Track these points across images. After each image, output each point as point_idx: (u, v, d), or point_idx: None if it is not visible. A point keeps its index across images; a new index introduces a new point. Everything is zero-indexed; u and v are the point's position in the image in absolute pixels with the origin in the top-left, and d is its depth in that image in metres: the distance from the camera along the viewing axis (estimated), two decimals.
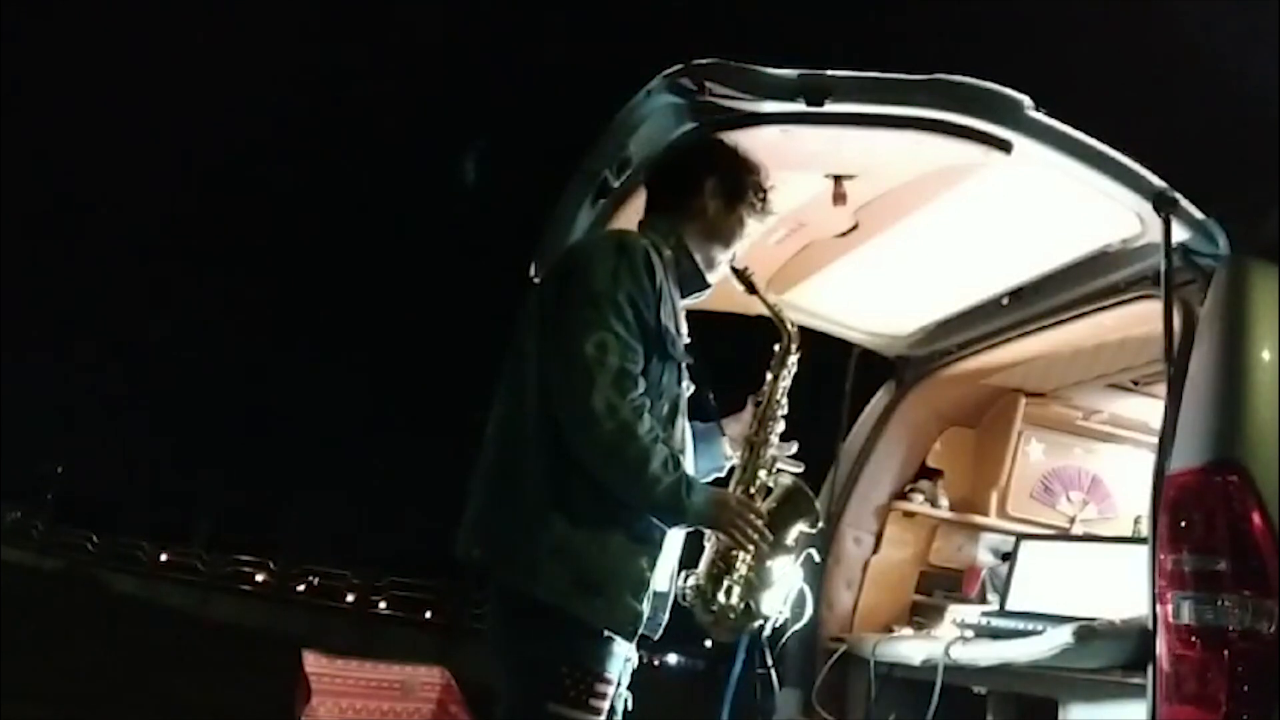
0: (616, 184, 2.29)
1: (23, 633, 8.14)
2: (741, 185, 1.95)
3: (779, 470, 1.93)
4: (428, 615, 20.46)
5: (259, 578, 22.36)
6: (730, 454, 2.01)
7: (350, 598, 21.38)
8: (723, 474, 2.01)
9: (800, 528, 1.86)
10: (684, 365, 1.85)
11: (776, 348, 2.00)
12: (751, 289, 2.00)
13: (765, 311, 2.02)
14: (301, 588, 22.29)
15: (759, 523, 1.77)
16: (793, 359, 1.99)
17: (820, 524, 1.91)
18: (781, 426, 1.96)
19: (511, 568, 1.70)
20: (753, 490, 1.87)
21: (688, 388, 1.88)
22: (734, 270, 2.00)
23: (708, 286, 1.96)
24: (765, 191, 1.97)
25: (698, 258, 1.93)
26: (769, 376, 1.98)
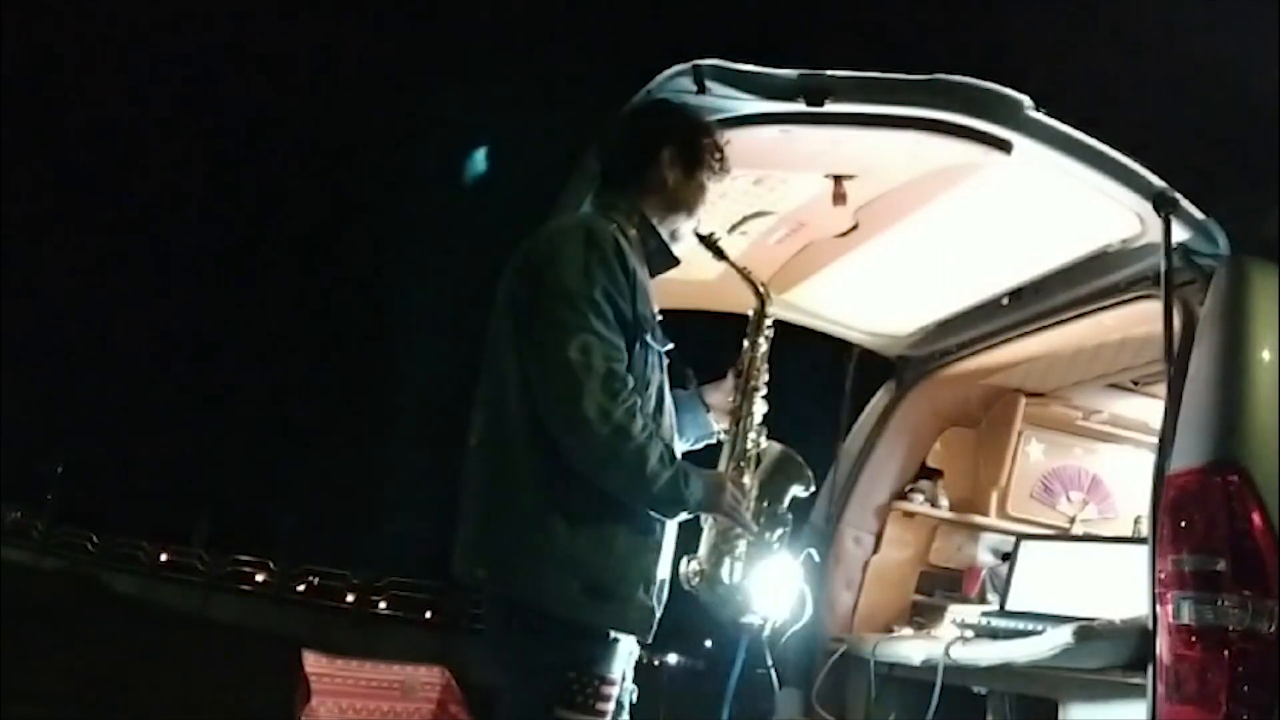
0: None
1: (23, 633, 8.14)
2: (698, 150, 1.89)
3: (765, 438, 1.90)
4: (428, 615, 20.45)
5: (259, 578, 22.33)
6: (716, 425, 1.98)
7: (350, 598, 21.36)
8: (713, 440, 1.99)
9: (794, 493, 1.85)
10: (664, 349, 1.80)
11: (751, 313, 1.96)
12: (720, 254, 1.96)
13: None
14: (301, 588, 22.27)
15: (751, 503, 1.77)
16: (769, 322, 1.95)
17: (813, 487, 1.90)
18: (764, 392, 1.92)
19: (520, 584, 1.65)
20: (743, 464, 1.85)
21: (667, 362, 1.83)
22: (699, 237, 1.95)
23: (677, 262, 1.90)
24: (722, 151, 1.91)
25: (662, 231, 1.87)
26: (745, 344, 1.94)
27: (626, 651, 1.74)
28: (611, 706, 1.68)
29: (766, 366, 1.94)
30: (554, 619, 1.63)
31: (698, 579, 1.79)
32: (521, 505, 1.66)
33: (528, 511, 1.65)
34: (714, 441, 1.99)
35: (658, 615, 1.72)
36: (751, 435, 1.88)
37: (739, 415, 1.89)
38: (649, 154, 1.87)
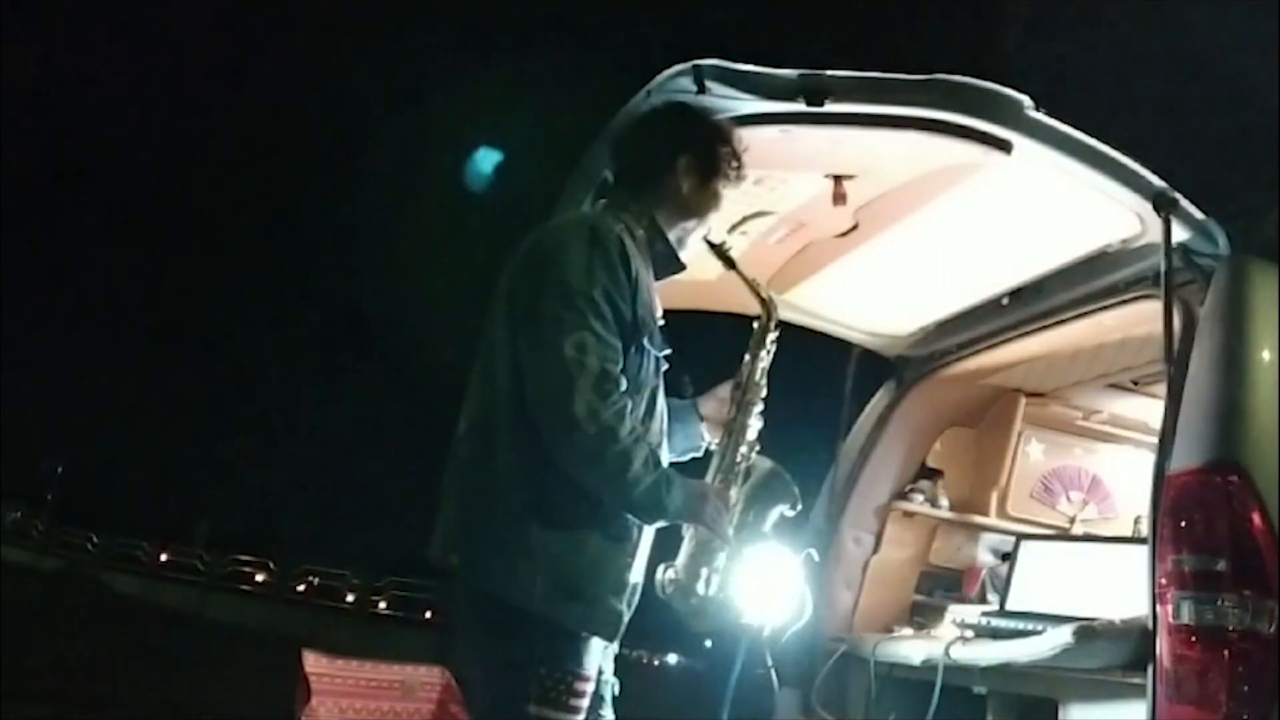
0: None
1: (23, 633, 8.14)
2: (715, 159, 1.87)
3: (757, 453, 1.88)
4: (428, 615, 20.49)
5: (259, 578, 22.38)
6: (707, 437, 1.97)
7: (350, 598, 21.41)
8: (700, 454, 1.98)
9: (779, 511, 1.84)
10: (661, 354, 1.80)
11: (755, 325, 1.95)
12: (730, 264, 1.95)
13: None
14: (301, 588, 22.32)
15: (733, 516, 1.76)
16: (772, 336, 1.94)
17: (800, 507, 1.88)
18: (761, 408, 1.90)
19: (490, 574, 1.66)
20: (731, 477, 1.83)
21: (664, 367, 1.83)
22: (710, 244, 1.94)
23: (682, 267, 1.90)
24: (740, 159, 1.90)
25: (671, 236, 1.86)
26: (747, 357, 1.93)
27: (601, 647, 1.73)
28: (585, 702, 1.67)
29: (766, 381, 1.92)
30: (523, 613, 1.62)
31: (672, 587, 1.77)
32: (500, 497, 1.66)
33: (505, 504, 1.65)
34: (701, 455, 1.98)
35: (626, 619, 1.72)
36: (742, 449, 1.86)
37: (732, 428, 1.88)
38: (666, 160, 1.86)
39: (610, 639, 1.73)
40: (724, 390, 1.96)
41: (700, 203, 1.88)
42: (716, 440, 1.92)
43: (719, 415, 1.94)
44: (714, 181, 1.88)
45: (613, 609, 1.69)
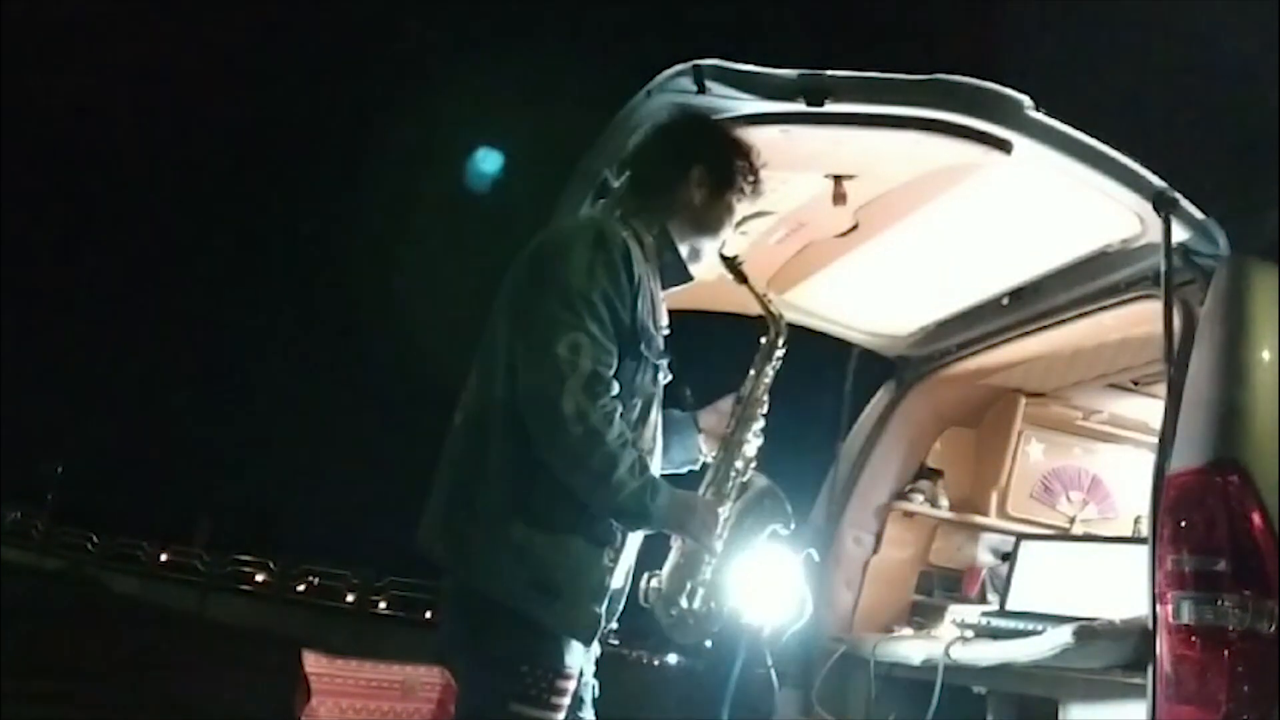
0: (616, 184, 2.28)
1: (23, 633, 8.14)
2: (730, 172, 1.86)
3: (753, 470, 1.87)
4: (428, 615, 20.48)
5: (259, 578, 22.39)
6: (705, 450, 1.97)
7: (350, 598, 21.42)
8: (697, 467, 1.97)
9: (771, 530, 1.82)
10: (660, 363, 1.79)
11: (762, 341, 1.94)
12: (741, 278, 1.95)
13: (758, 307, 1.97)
14: (301, 588, 22.33)
15: (723, 528, 1.74)
16: (779, 353, 1.93)
17: (793, 527, 1.86)
18: (761, 424, 1.90)
19: (471, 567, 1.67)
20: (724, 491, 1.82)
21: (665, 378, 1.82)
22: (723, 258, 1.93)
23: (690, 278, 1.89)
24: (756, 174, 1.89)
25: (682, 248, 1.85)
26: (751, 372, 1.92)
27: (582, 648, 1.73)
28: (567, 700, 1.67)
29: (768, 398, 1.91)
30: (505, 610, 1.62)
31: (654, 596, 1.77)
32: (487, 492, 1.66)
33: (491, 500, 1.65)
34: (698, 468, 1.97)
35: (604, 624, 1.72)
36: (738, 465, 1.85)
37: (729, 443, 1.87)
38: (679, 170, 1.85)
39: (587, 642, 1.72)
40: (725, 404, 1.96)
41: (712, 214, 1.87)
42: (714, 453, 1.91)
43: (718, 429, 1.93)
44: (727, 194, 1.87)
45: (590, 611, 1.68)
